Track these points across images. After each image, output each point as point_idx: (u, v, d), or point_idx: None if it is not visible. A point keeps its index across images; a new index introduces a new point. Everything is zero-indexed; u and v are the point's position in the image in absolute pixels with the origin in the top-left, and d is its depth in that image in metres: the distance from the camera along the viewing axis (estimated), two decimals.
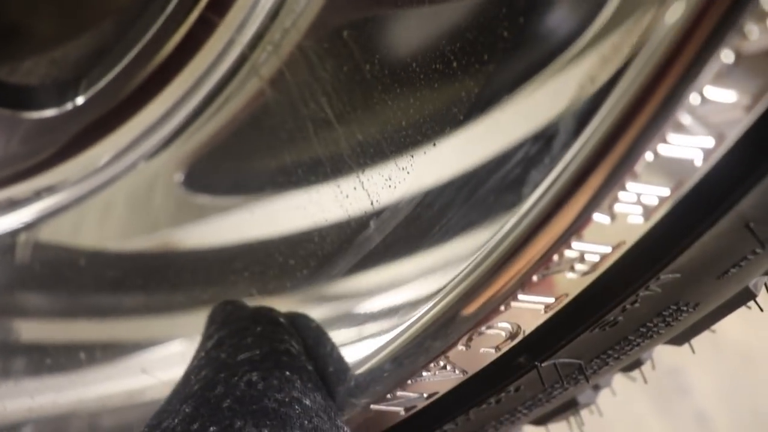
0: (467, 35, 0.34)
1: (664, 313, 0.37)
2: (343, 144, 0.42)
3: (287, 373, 0.35)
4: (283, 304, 0.46)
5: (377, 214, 0.38)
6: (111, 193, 0.64)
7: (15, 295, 0.57)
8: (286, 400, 0.33)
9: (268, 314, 0.43)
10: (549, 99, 0.29)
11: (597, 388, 0.51)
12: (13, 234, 0.58)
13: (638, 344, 0.40)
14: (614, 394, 0.54)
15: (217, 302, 0.47)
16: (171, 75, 0.59)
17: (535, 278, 0.30)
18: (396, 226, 0.39)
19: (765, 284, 0.43)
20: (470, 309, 0.31)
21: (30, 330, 0.57)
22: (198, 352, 0.41)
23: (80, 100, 0.62)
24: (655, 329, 0.39)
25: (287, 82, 0.50)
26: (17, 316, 0.57)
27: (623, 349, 0.40)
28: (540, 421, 0.51)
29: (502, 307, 0.32)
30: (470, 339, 0.34)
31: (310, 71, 0.47)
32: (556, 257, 0.29)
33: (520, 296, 0.32)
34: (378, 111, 0.40)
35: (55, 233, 0.64)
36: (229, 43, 0.55)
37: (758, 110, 0.25)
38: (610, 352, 0.40)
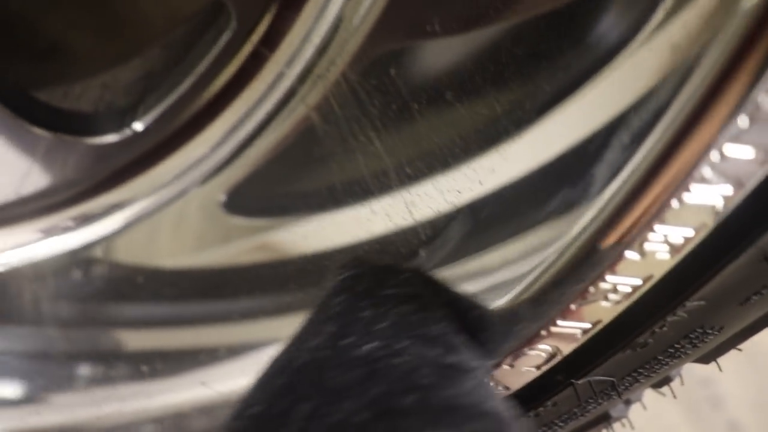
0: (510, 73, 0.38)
1: (690, 335, 0.41)
2: (393, 176, 0.46)
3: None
4: None
5: (426, 243, 0.42)
6: (162, 215, 0.69)
7: (90, 306, 0.62)
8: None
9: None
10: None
11: (629, 402, 0.55)
12: (87, 248, 0.63)
13: (667, 363, 0.44)
14: (645, 408, 0.57)
15: (276, 314, 0.51)
16: (223, 105, 0.63)
17: (573, 307, 0.34)
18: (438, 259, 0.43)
19: None
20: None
21: (100, 341, 0.62)
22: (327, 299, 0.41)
23: (138, 127, 0.67)
24: (682, 350, 0.43)
25: (336, 115, 0.54)
26: (91, 326, 0.62)
27: (653, 368, 0.44)
28: None
29: (544, 332, 0.36)
30: (514, 359, 0.38)
31: (359, 106, 0.51)
32: (592, 289, 0.33)
33: (559, 322, 0.35)
34: (425, 146, 0.44)
35: (112, 252, 0.69)
36: (279, 76, 0.60)
37: None
38: (640, 370, 0.44)
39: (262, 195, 0.65)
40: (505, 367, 0.38)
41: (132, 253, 0.69)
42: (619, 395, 0.46)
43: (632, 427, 0.56)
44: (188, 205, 0.68)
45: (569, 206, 0.32)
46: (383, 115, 0.49)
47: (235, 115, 0.62)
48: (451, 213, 0.41)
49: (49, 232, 0.67)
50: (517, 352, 0.37)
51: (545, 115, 0.35)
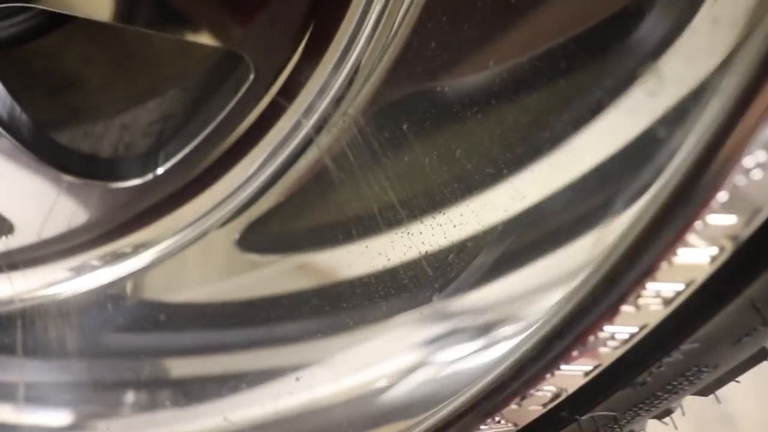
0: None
1: (687, 373, 0.44)
2: (406, 223, 0.50)
3: None
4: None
5: (440, 288, 0.46)
6: (184, 254, 0.72)
7: (121, 338, 0.66)
8: None
9: None
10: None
11: None
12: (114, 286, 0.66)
13: (666, 398, 0.47)
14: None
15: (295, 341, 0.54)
16: (242, 153, 0.67)
17: (575, 353, 0.37)
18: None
19: None
20: (520, 380, 0.39)
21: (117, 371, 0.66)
22: None
23: (160, 171, 0.70)
24: (680, 386, 0.46)
25: (351, 164, 0.57)
26: (114, 357, 0.66)
27: (653, 403, 0.47)
28: None
29: (548, 375, 0.39)
30: (521, 399, 0.41)
31: (372, 156, 0.55)
32: (591, 338, 0.36)
33: (563, 367, 0.39)
34: (438, 201, 0.47)
35: (137, 290, 0.73)
36: (297, 125, 0.63)
37: (754, 227, 0.32)
38: (641, 405, 0.47)
39: (278, 234, 0.68)
40: (513, 406, 0.41)
41: (153, 291, 0.72)
42: (621, 429, 0.49)
43: None
44: (206, 244, 0.71)
45: (570, 268, 0.35)
46: (396, 167, 0.52)
47: (253, 162, 0.66)
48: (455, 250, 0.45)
49: (78, 271, 0.71)
50: (524, 393, 0.40)
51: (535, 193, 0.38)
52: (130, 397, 0.67)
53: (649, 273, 0.32)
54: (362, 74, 0.59)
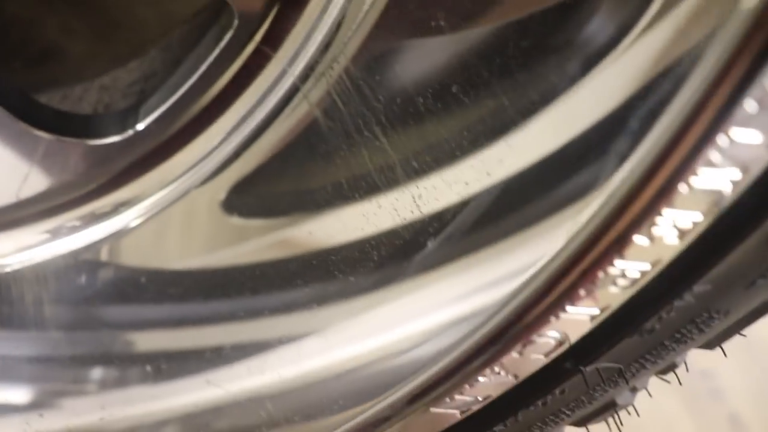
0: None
1: (696, 320, 0.42)
2: (399, 170, 0.47)
3: None
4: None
5: (434, 234, 0.43)
6: (165, 215, 0.70)
7: (92, 309, 0.63)
8: None
9: None
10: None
11: (634, 390, 0.56)
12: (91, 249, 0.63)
13: (673, 349, 0.45)
14: (650, 396, 0.58)
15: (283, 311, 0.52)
16: (226, 104, 0.64)
17: (582, 292, 0.35)
18: (446, 246, 0.44)
19: None
20: (528, 318, 0.36)
21: (104, 343, 0.63)
22: None
23: (140, 127, 0.67)
24: (688, 335, 0.43)
25: (340, 112, 0.55)
26: (94, 329, 0.63)
27: (659, 354, 0.45)
28: (581, 423, 0.56)
29: (552, 318, 0.36)
30: (524, 347, 0.39)
31: (363, 101, 0.52)
32: (601, 274, 0.34)
33: (568, 308, 0.36)
34: (431, 139, 0.45)
35: (116, 254, 0.70)
36: (282, 74, 0.60)
37: None
38: (647, 356, 0.45)
39: (266, 194, 0.65)
40: (514, 354, 0.39)
41: (135, 255, 0.70)
42: (627, 381, 0.47)
43: (638, 415, 0.57)
44: (191, 205, 0.68)
45: (578, 194, 0.33)
46: (388, 110, 0.50)
47: (237, 113, 0.63)
48: (460, 205, 0.42)
49: (55, 233, 0.68)
50: (526, 339, 0.38)
51: (552, 104, 0.35)
52: (98, 372, 0.64)
53: (666, 196, 0.30)
54: (349, 20, 0.56)
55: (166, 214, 0.69)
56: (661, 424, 1.46)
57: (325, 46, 0.58)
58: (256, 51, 0.61)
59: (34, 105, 0.69)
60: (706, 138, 0.28)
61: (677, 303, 0.39)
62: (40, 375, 0.67)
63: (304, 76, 0.59)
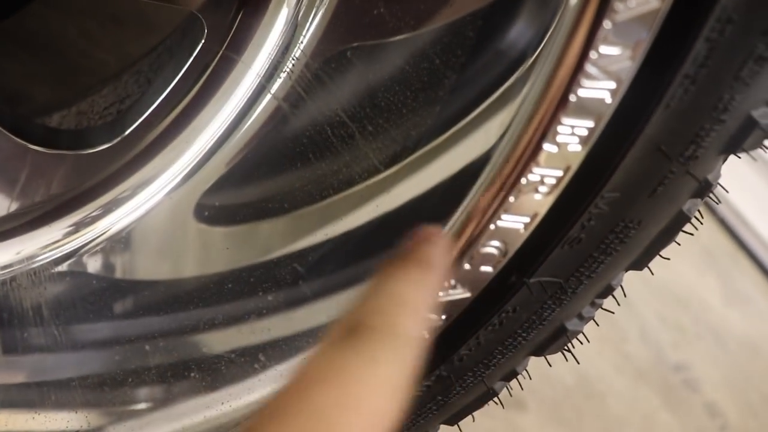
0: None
1: (615, 230, 0.52)
2: (358, 136, 0.57)
3: None
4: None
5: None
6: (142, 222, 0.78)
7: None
8: None
9: None
10: None
11: (581, 317, 0.66)
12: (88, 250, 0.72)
13: (602, 261, 0.55)
14: (598, 325, 0.68)
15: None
16: (199, 108, 0.74)
17: (512, 199, 0.45)
18: None
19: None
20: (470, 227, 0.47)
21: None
22: None
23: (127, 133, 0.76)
24: (612, 246, 0.54)
25: (307, 105, 0.65)
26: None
27: (591, 267, 0.55)
28: (538, 351, 0.65)
29: (492, 226, 0.47)
30: (472, 257, 0.49)
31: (323, 88, 0.63)
32: (524, 180, 0.44)
33: (504, 216, 0.47)
34: (384, 106, 0.55)
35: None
36: (247, 76, 0.71)
37: (639, 59, 0.40)
38: (581, 269, 0.55)
39: (236, 195, 0.75)
40: (466, 266, 0.49)
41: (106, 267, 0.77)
42: (569, 297, 0.57)
43: (588, 342, 0.67)
44: (163, 210, 0.77)
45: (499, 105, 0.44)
46: (350, 95, 0.60)
47: (211, 113, 0.73)
48: None
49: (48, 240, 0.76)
50: (471, 251, 0.48)
51: None
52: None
53: (561, 105, 0.41)
54: (301, 27, 0.67)
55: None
56: (640, 416, 1.54)
57: (284, 48, 0.68)
58: (223, 57, 0.71)
59: (28, 122, 0.77)
60: (583, 54, 0.39)
61: (594, 210, 0.49)
62: None
63: (269, 75, 0.70)
